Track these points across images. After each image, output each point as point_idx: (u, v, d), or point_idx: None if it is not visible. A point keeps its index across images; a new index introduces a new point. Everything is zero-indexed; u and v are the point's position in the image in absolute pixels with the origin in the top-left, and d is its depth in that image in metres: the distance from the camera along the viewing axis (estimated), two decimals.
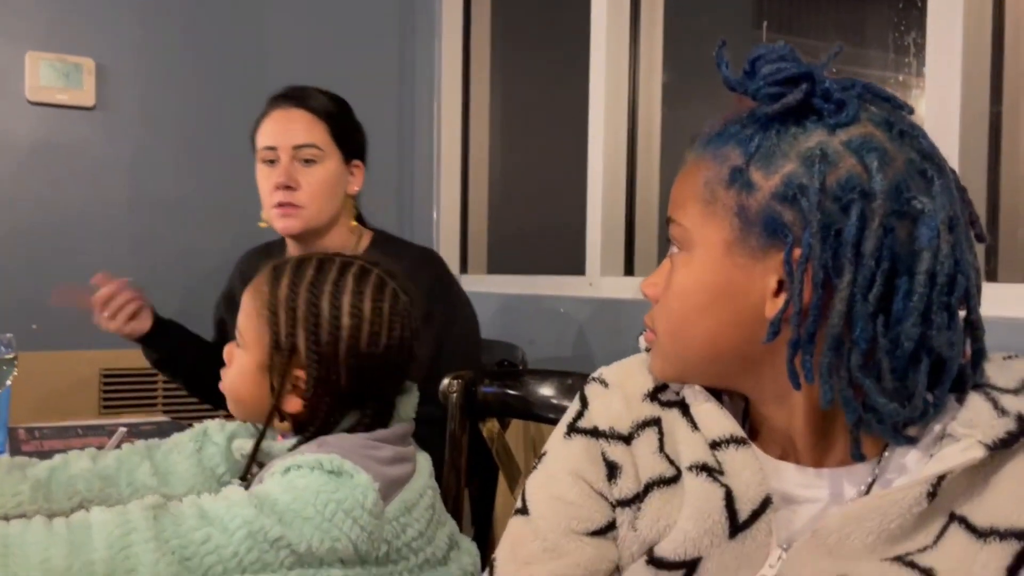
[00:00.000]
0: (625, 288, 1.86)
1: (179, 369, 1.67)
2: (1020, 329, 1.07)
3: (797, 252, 0.61)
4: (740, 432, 0.68)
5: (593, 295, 1.93)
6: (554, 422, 0.79)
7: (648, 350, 0.75)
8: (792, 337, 0.62)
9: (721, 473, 0.67)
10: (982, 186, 1.19)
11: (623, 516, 0.71)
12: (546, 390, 1.33)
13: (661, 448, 0.71)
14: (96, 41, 2.47)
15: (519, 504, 0.75)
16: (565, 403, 1.31)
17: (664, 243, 2.01)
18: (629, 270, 1.96)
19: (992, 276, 1.21)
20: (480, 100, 2.66)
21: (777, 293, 0.64)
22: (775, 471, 0.68)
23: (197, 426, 1.14)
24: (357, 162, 1.57)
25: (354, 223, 1.60)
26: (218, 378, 1.05)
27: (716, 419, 0.69)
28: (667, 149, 1.96)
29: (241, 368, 1.01)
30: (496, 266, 2.63)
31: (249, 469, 1.02)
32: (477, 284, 2.49)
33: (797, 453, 0.68)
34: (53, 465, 1.05)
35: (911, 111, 0.66)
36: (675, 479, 0.69)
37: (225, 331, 1.69)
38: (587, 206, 1.99)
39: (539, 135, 2.54)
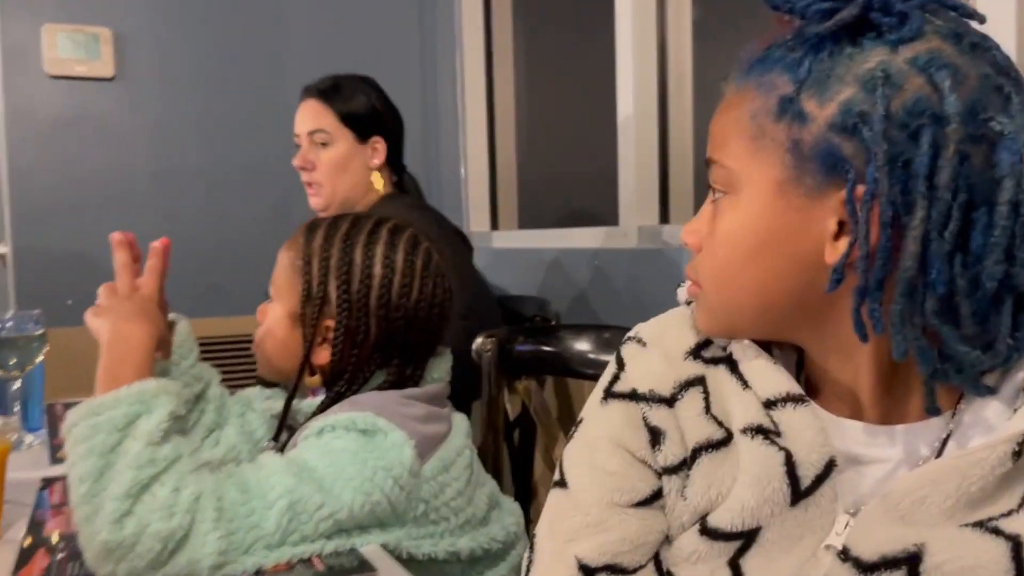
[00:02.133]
0: (661, 237, 1.79)
1: None
2: None
3: (860, 189, 0.55)
4: (797, 389, 0.62)
5: (628, 245, 1.86)
6: (591, 378, 0.74)
7: (689, 303, 0.69)
8: (859, 284, 0.56)
9: (778, 435, 0.61)
10: None
11: (671, 484, 0.66)
12: (582, 345, 1.28)
13: (708, 409, 0.65)
14: (112, 10, 2.44)
15: (557, 476, 0.70)
16: (602, 357, 1.27)
17: (701, 188, 1.92)
18: (664, 218, 1.89)
19: None
20: (503, 48, 2.57)
21: (838, 236, 0.57)
22: (837, 430, 0.62)
23: (239, 393, 1.14)
24: (377, 138, 1.71)
25: (385, 192, 1.71)
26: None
27: (769, 376, 0.63)
28: (700, 89, 1.86)
29: (273, 320, 1.00)
30: (527, 221, 2.57)
31: (281, 428, 1.00)
32: (508, 240, 2.43)
33: (862, 409, 0.62)
34: (208, 380, 1.09)
35: (983, 20, 0.58)
36: (725, 442, 0.64)
37: None
38: (618, 153, 1.91)
39: (566, 82, 2.45)
